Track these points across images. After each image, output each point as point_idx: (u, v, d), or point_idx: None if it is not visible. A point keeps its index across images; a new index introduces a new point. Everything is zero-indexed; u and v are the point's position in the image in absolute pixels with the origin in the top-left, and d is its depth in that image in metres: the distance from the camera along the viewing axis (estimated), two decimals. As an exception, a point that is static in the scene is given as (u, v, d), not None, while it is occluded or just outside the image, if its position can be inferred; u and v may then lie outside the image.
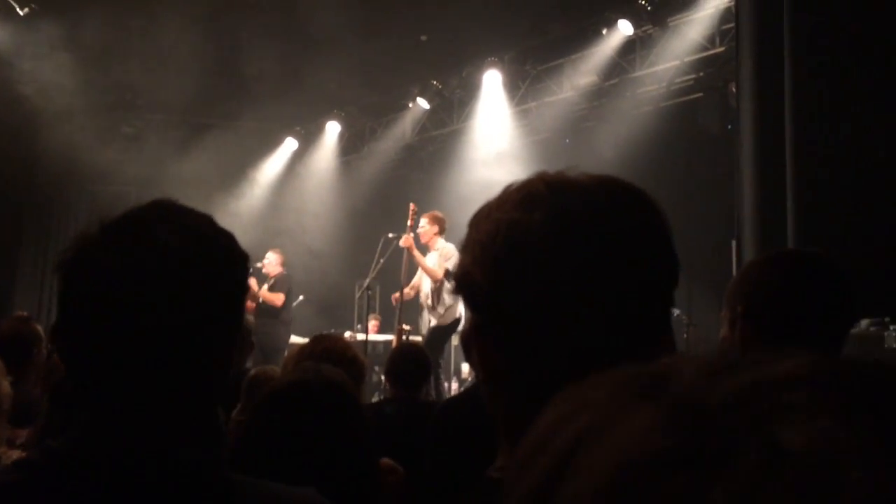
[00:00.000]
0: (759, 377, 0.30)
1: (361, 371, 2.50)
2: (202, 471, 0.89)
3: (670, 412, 0.30)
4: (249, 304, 7.96)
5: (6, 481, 0.87)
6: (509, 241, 0.75)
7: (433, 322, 6.72)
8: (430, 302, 6.76)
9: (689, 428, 0.29)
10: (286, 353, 4.12)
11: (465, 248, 0.80)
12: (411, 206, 6.89)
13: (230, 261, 0.95)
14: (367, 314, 9.10)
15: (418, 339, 6.66)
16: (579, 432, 0.32)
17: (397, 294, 6.89)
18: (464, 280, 0.79)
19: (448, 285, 6.54)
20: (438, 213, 6.90)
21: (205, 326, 0.90)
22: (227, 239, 0.96)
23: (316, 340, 2.52)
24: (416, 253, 6.67)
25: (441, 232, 6.78)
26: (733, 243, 5.17)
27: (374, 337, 8.97)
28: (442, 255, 6.62)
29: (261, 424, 1.42)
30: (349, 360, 2.38)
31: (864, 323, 3.70)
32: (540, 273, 0.74)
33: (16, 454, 2.32)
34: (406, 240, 6.69)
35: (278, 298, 8.03)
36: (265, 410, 1.42)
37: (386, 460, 1.87)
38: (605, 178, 0.80)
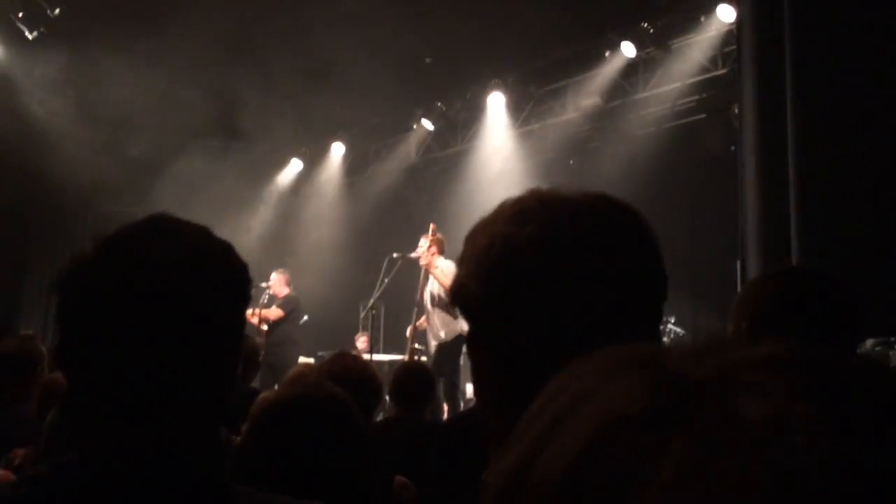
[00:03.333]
0: (738, 357, 0.34)
1: (379, 391, 2.52)
2: (210, 483, 0.89)
3: (653, 380, 0.33)
4: (260, 325, 8.01)
5: (15, 496, 0.87)
6: (503, 253, 0.78)
7: (442, 336, 6.74)
8: (433, 322, 6.79)
9: (665, 394, 0.33)
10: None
11: (461, 261, 0.84)
12: (432, 226, 6.91)
13: (227, 271, 0.95)
14: (359, 332, 9.12)
15: (425, 360, 6.67)
16: (574, 396, 0.35)
17: (411, 328, 6.95)
18: (459, 291, 0.82)
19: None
20: (440, 236, 6.95)
21: (204, 338, 0.90)
22: (223, 249, 0.96)
23: (334, 360, 2.54)
24: (435, 272, 6.70)
25: (441, 252, 6.83)
26: (738, 263, 5.17)
27: (378, 357, 8.96)
28: (444, 272, 6.66)
29: (261, 439, 1.42)
30: (367, 379, 2.39)
31: (868, 342, 3.69)
32: (532, 285, 0.77)
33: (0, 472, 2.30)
34: (426, 257, 6.73)
35: (273, 313, 8.07)
36: (265, 425, 1.42)
37: (400, 478, 1.88)
38: (596, 195, 0.84)
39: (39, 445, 2.50)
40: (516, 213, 0.80)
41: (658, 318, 0.83)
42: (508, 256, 0.78)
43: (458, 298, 0.83)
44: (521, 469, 0.34)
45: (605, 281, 0.77)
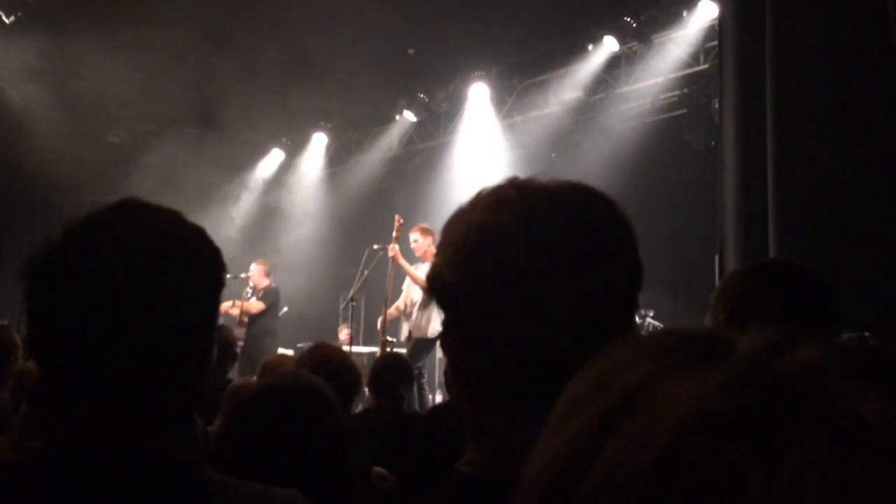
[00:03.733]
0: (824, 352, 0.31)
1: (358, 381, 2.52)
2: (184, 470, 0.89)
3: (738, 374, 0.30)
4: (241, 317, 7.97)
5: None
6: (479, 241, 0.78)
7: (415, 333, 6.73)
8: (415, 312, 6.79)
9: (759, 390, 0.30)
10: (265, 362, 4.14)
11: (438, 250, 0.84)
12: (397, 217, 6.91)
13: (198, 256, 0.93)
14: (340, 324, 9.10)
15: (402, 350, 6.66)
16: (643, 377, 0.32)
17: (381, 319, 6.92)
18: (436, 280, 0.82)
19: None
20: (428, 226, 6.90)
21: (175, 324, 0.89)
22: (194, 234, 0.95)
23: (313, 350, 2.53)
24: (403, 262, 6.70)
25: (435, 243, 6.81)
26: (716, 257, 5.21)
27: (358, 349, 8.95)
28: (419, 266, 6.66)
29: (238, 429, 1.42)
30: (346, 369, 2.39)
31: (844, 337, 3.73)
32: (507, 273, 0.77)
33: None
34: (392, 250, 6.71)
35: (254, 306, 8.03)
36: (242, 415, 1.41)
37: (378, 469, 1.87)
38: (572, 184, 0.84)
39: (13, 434, 2.47)
40: (493, 202, 0.80)
41: (633, 307, 0.83)
42: (485, 244, 0.77)
43: (434, 287, 0.83)
44: (577, 466, 0.31)
45: (581, 270, 0.77)
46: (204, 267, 0.94)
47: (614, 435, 0.30)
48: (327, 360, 2.32)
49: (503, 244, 0.77)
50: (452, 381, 0.84)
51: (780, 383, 0.30)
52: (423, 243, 6.70)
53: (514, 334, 0.76)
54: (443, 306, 0.83)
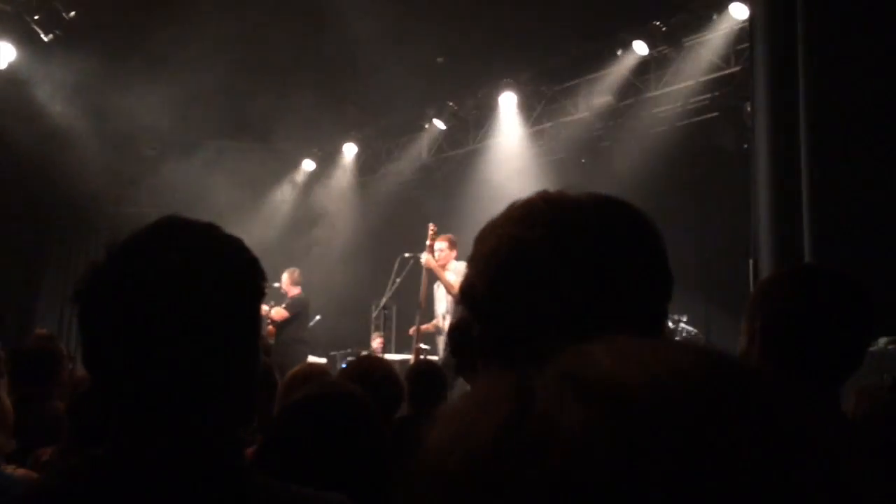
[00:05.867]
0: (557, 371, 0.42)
1: (401, 393, 2.56)
2: (237, 475, 0.92)
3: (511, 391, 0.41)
4: (269, 328, 8.05)
5: (53, 485, 0.90)
6: (510, 255, 0.80)
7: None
8: (443, 324, 6.82)
9: (516, 399, 0.40)
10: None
11: (471, 262, 0.86)
12: (431, 226, 6.96)
13: (237, 267, 0.97)
14: (373, 333, 9.12)
15: (435, 358, 6.69)
16: (475, 402, 0.44)
17: (415, 328, 6.98)
18: (468, 291, 0.84)
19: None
20: (455, 239, 7.00)
21: (220, 334, 0.93)
22: (232, 246, 0.98)
23: (357, 362, 2.58)
24: (440, 271, 6.73)
25: (458, 256, 6.89)
26: (750, 262, 5.16)
27: (391, 356, 8.99)
28: (457, 273, 6.69)
29: (280, 439, 1.45)
30: (390, 381, 2.43)
31: (881, 341, 3.68)
32: (538, 285, 0.79)
33: (21, 472, 2.34)
34: (427, 259, 6.77)
35: (278, 314, 8.10)
36: (285, 424, 1.45)
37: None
38: (602, 197, 0.86)
39: (62, 443, 2.54)
40: (524, 216, 0.82)
41: (663, 318, 0.84)
42: (516, 257, 0.80)
43: (466, 298, 0.85)
44: (454, 442, 0.41)
45: (611, 283, 0.78)
46: (243, 278, 0.97)
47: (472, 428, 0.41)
48: (370, 372, 2.35)
49: (534, 258, 0.79)
50: None
51: (529, 393, 0.40)
52: (448, 254, 6.80)
53: (543, 345, 0.78)
54: (475, 317, 0.85)
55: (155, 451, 0.90)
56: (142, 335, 0.89)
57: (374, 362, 2.57)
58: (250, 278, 0.98)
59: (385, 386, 2.27)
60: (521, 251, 0.80)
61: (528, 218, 0.82)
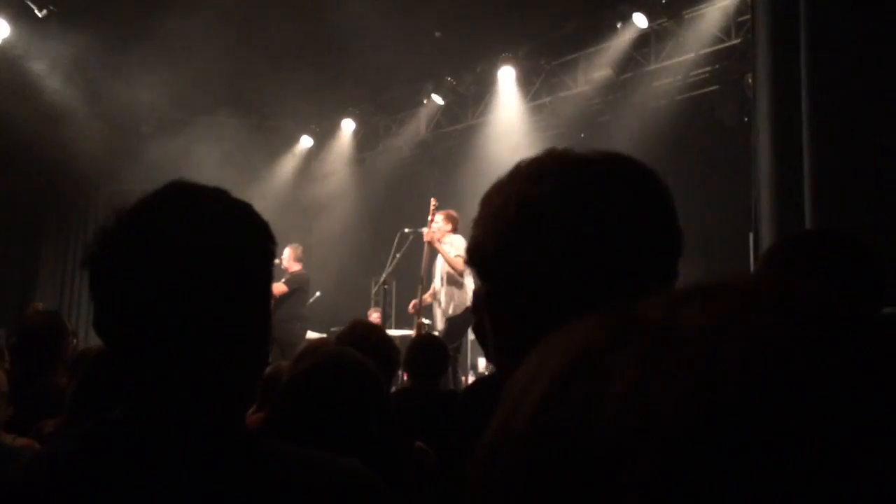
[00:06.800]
0: (680, 291, 0.35)
1: (397, 356, 2.56)
2: (251, 440, 0.92)
3: (605, 322, 0.35)
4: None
5: (69, 450, 0.90)
6: (520, 212, 0.79)
7: (449, 312, 6.79)
8: (440, 297, 6.85)
9: (618, 327, 0.34)
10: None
11: (477, 223, 0.84)
12: (433, 200, 6.95)
13: (247, 230, 0.96)
14: (371, 308, 9.14)
15: (435, 333, 6.71)
16: (538, 362, 0.37)
17: (415, 302, 6.99)
18: (476, 252, 0.83)
19: (461, 277, 6.64)
20: (454, 213, 6.98)
21: (232, 298, 0.92)
22: (241, 210, 0.98)
23: (352, 327, 2.58)
24: (439, 245, 6.74)
25: (454, 230, 6.87)
26: (751, 235, 5.16)
27: (391, 332, 9.01)
28: (454, 246, 6.70)
29: (289, 406, 1.45)
30: (385, 345, 2.43)
31: (885, 311, 3.68)
32: (549, 242, 0.78)
33: (21, 441, 2.35)
34: (428, 234, 6.77)
35: (276, 288, 8.09)
36: (293, 393, 1.45)
37: (420, 444, 1.91)
38: (611, 154, 0.85)
39: (65, 415, 2.54)
40: (533, 173, 0.81)
41: (674, 276, 0.83)
42: (525, 215, 0.78)
43: (474, 258, 0.84)
44: (500, 429, 0.35)
45: (622, 238, 0.77)
46: (254, 241, 0.97)
47: (520, 403, 0.35)
48: (366, 337, 2.36)
49: (544, 214, 0.78)
50: (495, 350, 0.85)
51: (637, 318, 0.33)
52: (444, 228, 6.80)
53: (556, 303, 0.77)
54: (483, 278, 0.84)
55: (168, 415, 0.90)
56: (153, 300, 0.89)
57: (370, 327, 2.57)
58: (261, 242, 0.98)
59: (381, 350, 2.28)
60: (530, 208, 0.78)
61: (537, 175, 0.80)
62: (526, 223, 0.78)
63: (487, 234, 0.81)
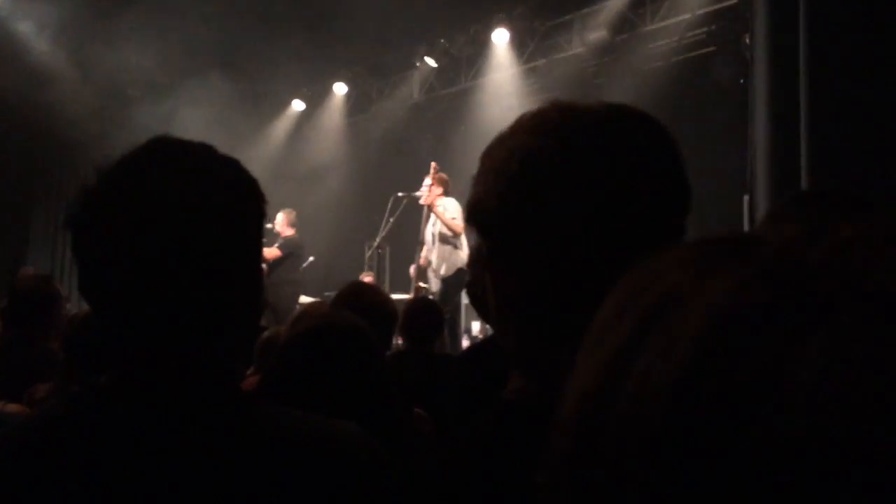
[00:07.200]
0: (863, 230, 0.29)
1: (394, 318, 2.56)
2: (243, 401, 0.90)
3: (767, 266, 0.29)
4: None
5: (59, 414, 0.88)
6: (522, 166, 0.76)
7: (441, 272, 6.80)
8: (433, 258, 6.86)
9: (787, 280, 0.28)
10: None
11: (478, 178, 0.81)
12: (433, 164, 6.90)
13: (236, 187, 0.93)
14: (364, 273, 9.14)
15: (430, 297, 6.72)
16: (667, 289, 0.31)
17: (415, 266, 6.99)
18: (476, 208, 0.80)
19: (456, 239, 6.63)
20: (444, 176, 6.95)
21: (222, 256, 0.89)
22: (229, 166, 0.94)
23: (348, 287, 2.57)
24: (438, 210, 6.71)
25: (445, 193, 6.85)
26: (745, 198, 5.15)
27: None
28: (448, 210, 6.69)
29: (284, 370, 1.44)
30: (381, 304, 2.43)
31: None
32: (552, 195, 0.75)
33: (12, 407, 2.34)
34: (427, 197, 6.74)
35: (269, 253, 8.06)
36: (288, 355, 1.43)
37: (419, 411, 1.90)
38: (617, 106, 0.81)
39: (56, 381, 2.53)
40: (536, 126, 0.78)
41: (682, 232, 0.81)
42: (529, 168, 0.75)
43: (474, 215, 0.81)
44: (610, 382, 0.30)
45: (629, 191, 0.75)
46: (243, 198, 0.94)
47: (645, 347, 0.29)
48: (362, 297, 2.35)
49: (547, 168, 0.75)
50: (495, 307, 0.83)
51: (811, 267, 0.28)
52: (434, 190, 6.76)
53: (560, 258, 0.75)
54: (484, 235, 0.81)
55: (158, 377, 0.88)
56: (140, 259, 0.85)
57: (365, 287, 2.57)
58: (251, 199, 0.94)
59: (377, 309, 2.27)
60: (533, 161, 0.75)
61: (540, 128, 0.77)
62: (529, 176, 0.75)
63: (489, 189, 0.78)
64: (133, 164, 0.91)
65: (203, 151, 0.93)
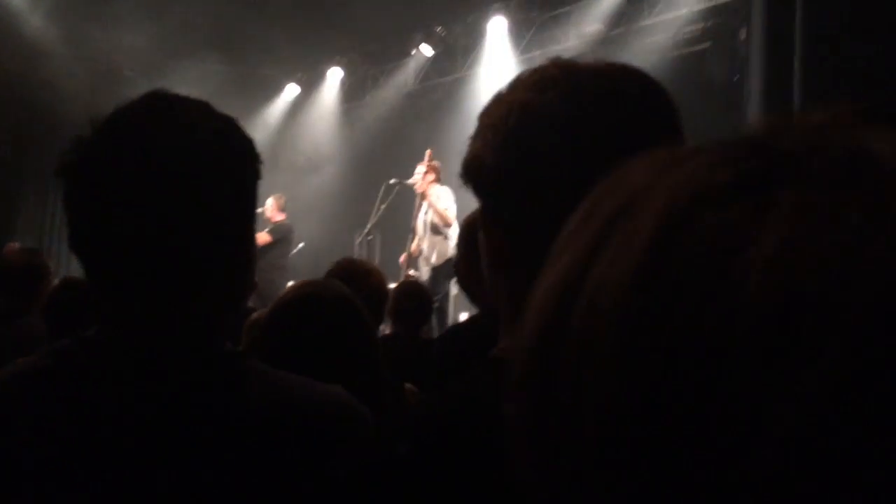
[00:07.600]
0: (827, 117, 0.28)
1: (386, 294, 2.57)
2: (230, 360, 0.90)
3: (731, 153, 0.28)
4: None
5: (43, 365, 0.88)
6: (521, 120, 0.75)
7: (432, 261, 6.80)
8: (423, 246, 6.85)
9: (753, 159, 0.27)
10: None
11: (476, 136, 0.80)
12: (428, 152, 6.87)
13: (232, 144, 0.92)
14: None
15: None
16: (632, 189, 0.29)
17: (405, 255, 6.96)
18: (473, 164, 0.79)
19: (447, 229, 6.60)
20: (436, 163, 6.92)
21: (215, 213, 0.89)
22: (226, 123, 0.93)
23: (338, 262, 2.58)
24: (432, 198, 6.69)
25: (437, 179, 6.82)
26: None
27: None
28: (440, 198, 6.67)
29: (272, 337, 1.43)
30: (371, 277, 2.43)
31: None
32: (552, 151, 0.74)
33: None
34: (420, 185, 6.71)
35: (260, 238, 8.02)
36: (277, 323, 1.43)
37: (410, 386, 1.91)
38: (616, 63, 0.81)
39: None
40: (536, 81, 0.77)
41: None
42: (528, 123, 0.74)
43: (470, 173, 0.80)
44: (576, 278, 0.28)
45: (628, 149, 0.75)
46: (239, 155, 0.93)
47: (605, 249, 0.28)
48: (352, 272, 2.36)
49: (547, 121, 0.74)
50: (489, 267, 0.82)
51: (780, 147, 0.27)
52: (420, 173, 6.73)
53: (557, 212, 0.74)
54: (480, 193, 0.81)
55: (146, 329, 0.88)
56: (133, 209, 0.85)
57: (356, 262, 2.57)
58: (247, 155, 0.94)
59: (367, 281, 2.27)
60: (532, 117, 0.74)
61: (541, 83, 0.76)
62: (528, 131, 0.74)
63: (486, 145, 0.77)
64: (129, 115, 0.90)
65: (200, 106, 0.93)
